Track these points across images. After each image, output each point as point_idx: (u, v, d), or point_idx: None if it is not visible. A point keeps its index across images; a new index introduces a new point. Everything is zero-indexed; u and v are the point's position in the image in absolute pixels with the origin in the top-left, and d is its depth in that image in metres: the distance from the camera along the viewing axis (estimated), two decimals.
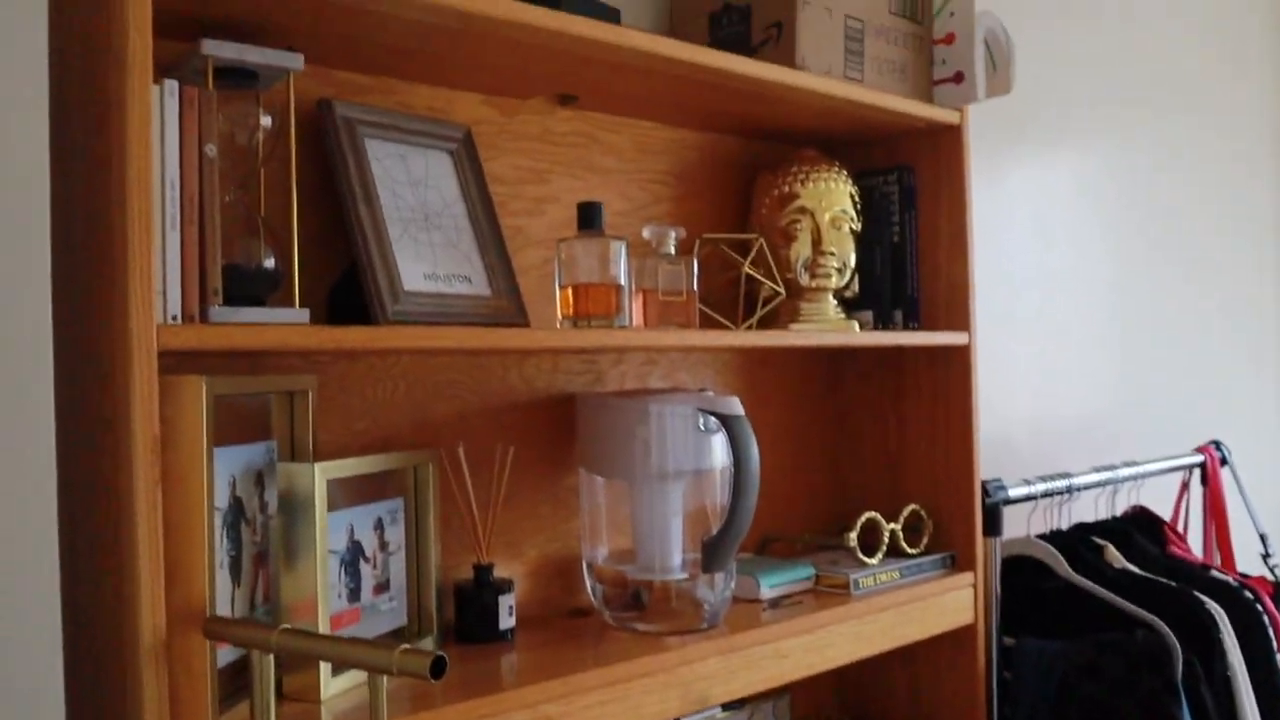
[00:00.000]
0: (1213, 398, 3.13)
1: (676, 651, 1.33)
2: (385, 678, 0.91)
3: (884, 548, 1.69)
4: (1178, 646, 1.78)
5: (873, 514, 1.69)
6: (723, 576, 1.43)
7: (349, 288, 1.30)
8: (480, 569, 1.37)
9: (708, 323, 1.62)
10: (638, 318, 1.43)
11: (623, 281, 1.35)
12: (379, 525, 1.31)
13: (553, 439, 1.54)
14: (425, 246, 1.31)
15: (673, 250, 1.45)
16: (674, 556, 1.43)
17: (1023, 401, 2.46)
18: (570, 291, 1.35)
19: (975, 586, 1.76)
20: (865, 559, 1.66)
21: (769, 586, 1.57)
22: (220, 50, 1.12)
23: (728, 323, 1.64)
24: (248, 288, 1.16)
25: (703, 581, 1.43)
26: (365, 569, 1.28)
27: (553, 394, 1.54)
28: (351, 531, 1.26)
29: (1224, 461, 2.54)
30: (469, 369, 1.46)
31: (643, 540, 1.43)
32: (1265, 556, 2.47)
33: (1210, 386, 3.13)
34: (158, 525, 0.96)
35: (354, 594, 1.27)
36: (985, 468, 1.88)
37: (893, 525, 1.71)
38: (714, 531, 1.38)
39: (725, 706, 1.72)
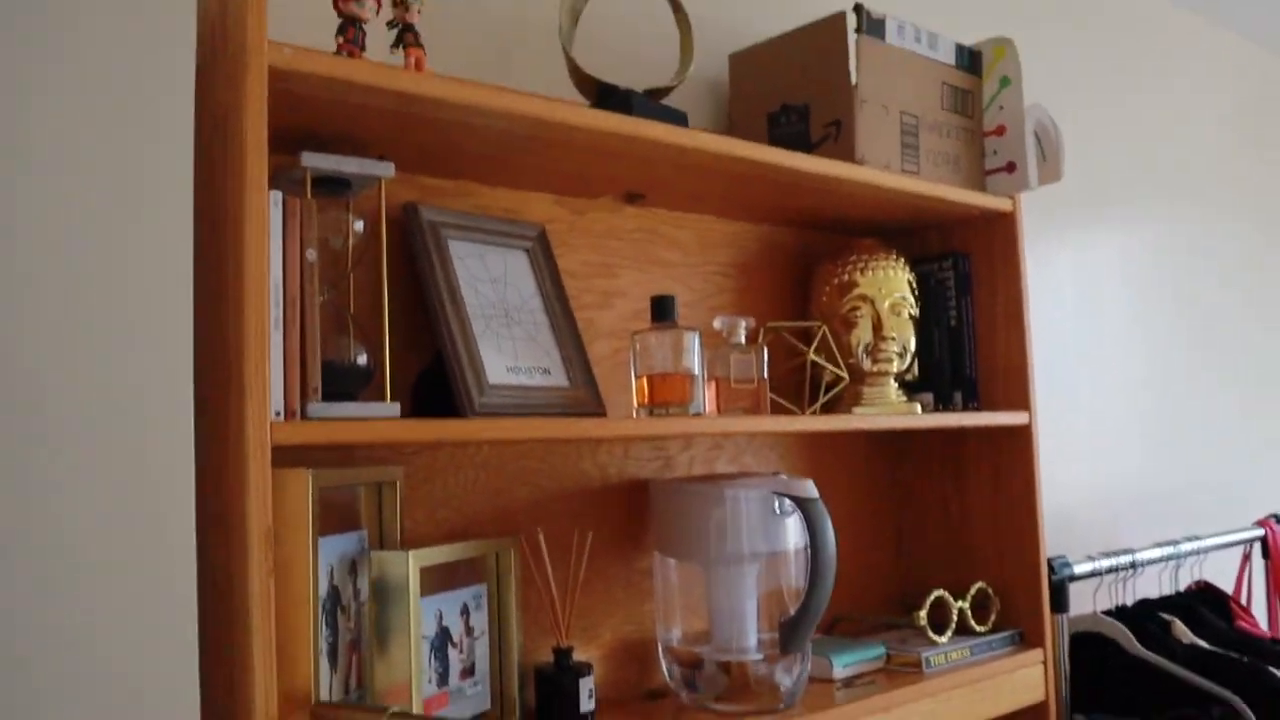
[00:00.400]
0: (1268, 471, 3.12)
1: None
2: None
3: (953, 625, 1.71)
4: None
5: (941, 592, 1.71)
6: (799, 657, 1.45)
7: (433, 380, 1.36)
8: (560, 652, 1.41)
9: (775, 408, 1.66)
10: (710, 405, 1.48)
11: (696, 371, 1.40)
12: (465, 610, 1.35)
13: (625, 523, 1.59)
14: (506, 340, 1.37)
15: (743, 339, 1.50)
16: (750, 637, 1.46)
17: (1078, 477, 2.47)
18: (646, 381, 1.41)
19: (1045, 663, 1.77)
20: (935, 637, 1.67)
21: (842, 666, 1.59)
22: (319, 162, 1.19)
23: (794, 408, 1.68)
24: (341, 384, 1.21)
25: (779, 662, 1.45)
26: (452, 654, 1.32)
27: (624, 480, 1.59)
28: (440, 617, 1.31)
29: None
30: (545, 456, 1.51)
31: (719, 622, 1.46)
32: None
33: (1265, 459, 3.12)
34: (270, 615, 1.00)
35: (442, 678, 1.31)
36: (1046, 543, 1.89)
37: (961, 603, 1.73)
38: (791, 612, 1.41)
39: None
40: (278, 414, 1.09)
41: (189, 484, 1.10)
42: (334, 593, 1.20)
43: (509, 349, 1.38)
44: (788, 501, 1.41)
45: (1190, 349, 2.88)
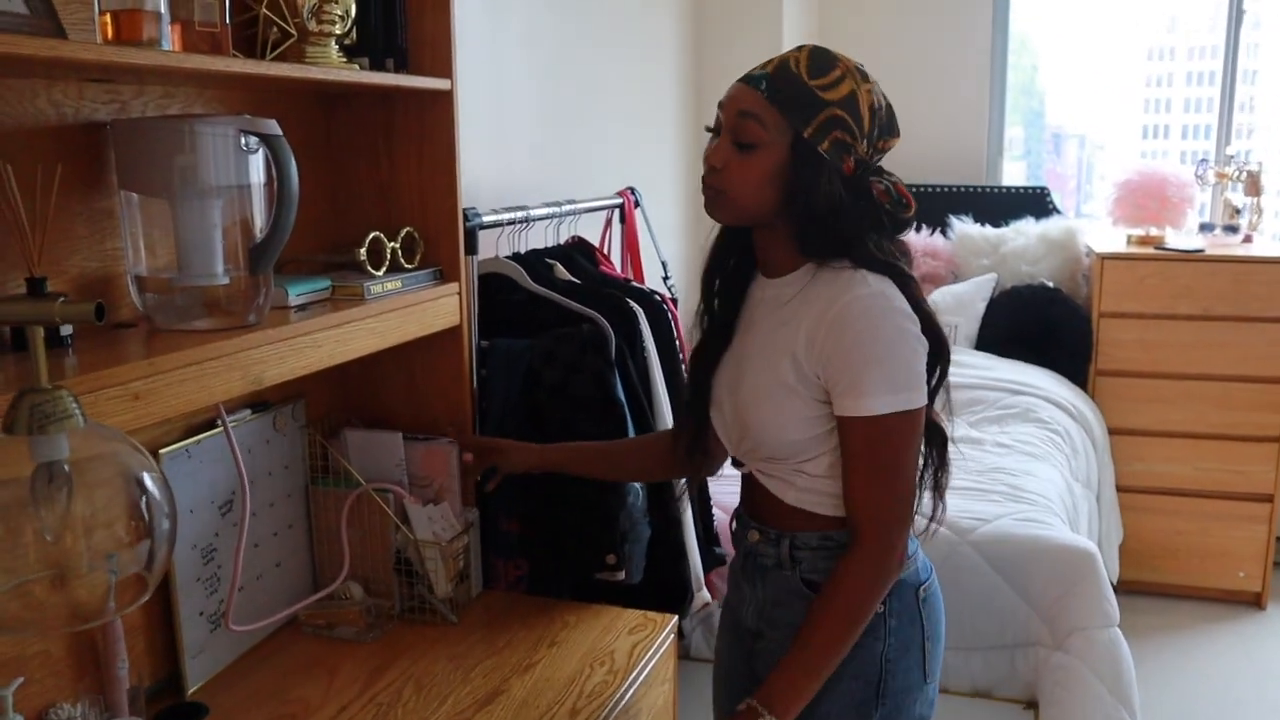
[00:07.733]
0: (630, 155, 3.74)
1: (235, 341, 1.55)
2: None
3: (386, 263, 1.99)
4: (612, 333, 2.30)
5: (377, 233, 1.98)
6: (262, 281, 1.65)
7: None
8: (33, 281, 1.47)
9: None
10: (174, 45, 1.55)
11: (161, 9, 1.47)
12: None
13: (83, 165, 1.63)
14: None
15: None
16: (218, 264, 1.62)
17: (489, 147, 2.82)
18: (109, 18, 1.45)
19: (459, 295, 2.13)
20: (373, 271, 1.95)
21: (295, 295, 1.81)
22: None
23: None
24: None
25: (245, 286, 1.63)
26: None
27: (80, 121, 1.62)
28: None
29: (637, 204, 3.13)
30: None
31: (187, 251, 1.60)
32: (665, 278, 3.13)
33: (629, 146, 3.74)
34: None
35: None
36: (462, 196, 2.23)
37: (393, 244, 2.01)
38: (259, 239, 1.59)
39: (254, 409, 1.97)
40: None
41: None
42: None
43: None
44: (253, 138, 1.56)
45: (582, 48, 3.31)
